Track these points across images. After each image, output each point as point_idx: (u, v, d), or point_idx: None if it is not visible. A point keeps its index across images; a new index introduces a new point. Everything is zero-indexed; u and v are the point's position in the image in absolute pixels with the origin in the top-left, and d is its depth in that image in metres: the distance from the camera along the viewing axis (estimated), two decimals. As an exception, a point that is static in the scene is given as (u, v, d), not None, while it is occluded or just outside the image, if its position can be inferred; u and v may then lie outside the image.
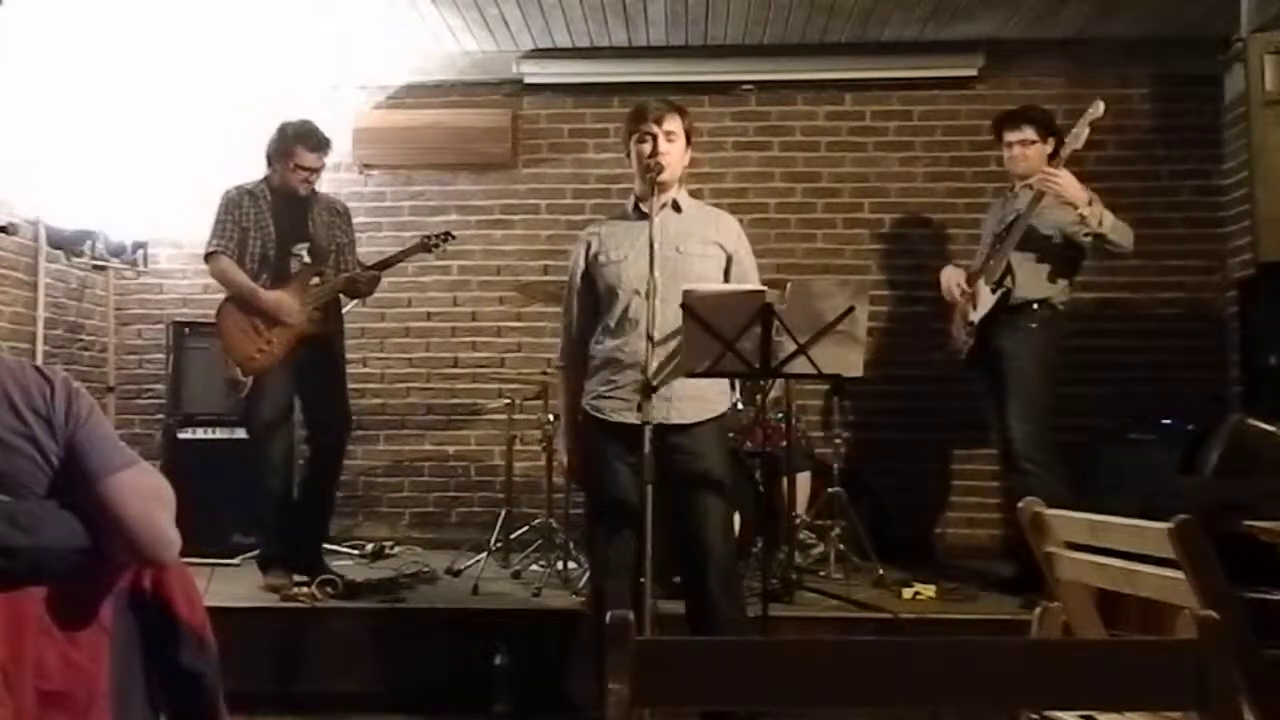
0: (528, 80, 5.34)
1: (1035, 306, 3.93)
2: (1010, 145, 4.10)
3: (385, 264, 4.21)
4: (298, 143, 4.06)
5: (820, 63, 5.25)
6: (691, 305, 2.73)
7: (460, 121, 5.43)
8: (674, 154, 3.01)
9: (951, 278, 4.22)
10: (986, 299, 3.99)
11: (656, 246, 2.87)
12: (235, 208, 4.09)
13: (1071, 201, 3.76)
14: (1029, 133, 4.05)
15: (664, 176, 2.98)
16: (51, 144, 4.69)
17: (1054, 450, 3.89)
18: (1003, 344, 3.96)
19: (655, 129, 2.98)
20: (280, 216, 4.11)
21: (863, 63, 5.23)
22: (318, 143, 4.10)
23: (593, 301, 3.10)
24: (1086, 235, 3.84)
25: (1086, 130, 3.74)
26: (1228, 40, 4.78)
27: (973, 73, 5.22)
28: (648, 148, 2.99)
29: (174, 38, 4.92)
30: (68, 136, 4.78)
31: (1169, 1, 4.62)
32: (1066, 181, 3.75)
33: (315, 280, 4.10)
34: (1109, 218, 3.79)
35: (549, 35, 5.06)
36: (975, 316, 4.05)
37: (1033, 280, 3.93)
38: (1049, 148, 4.04)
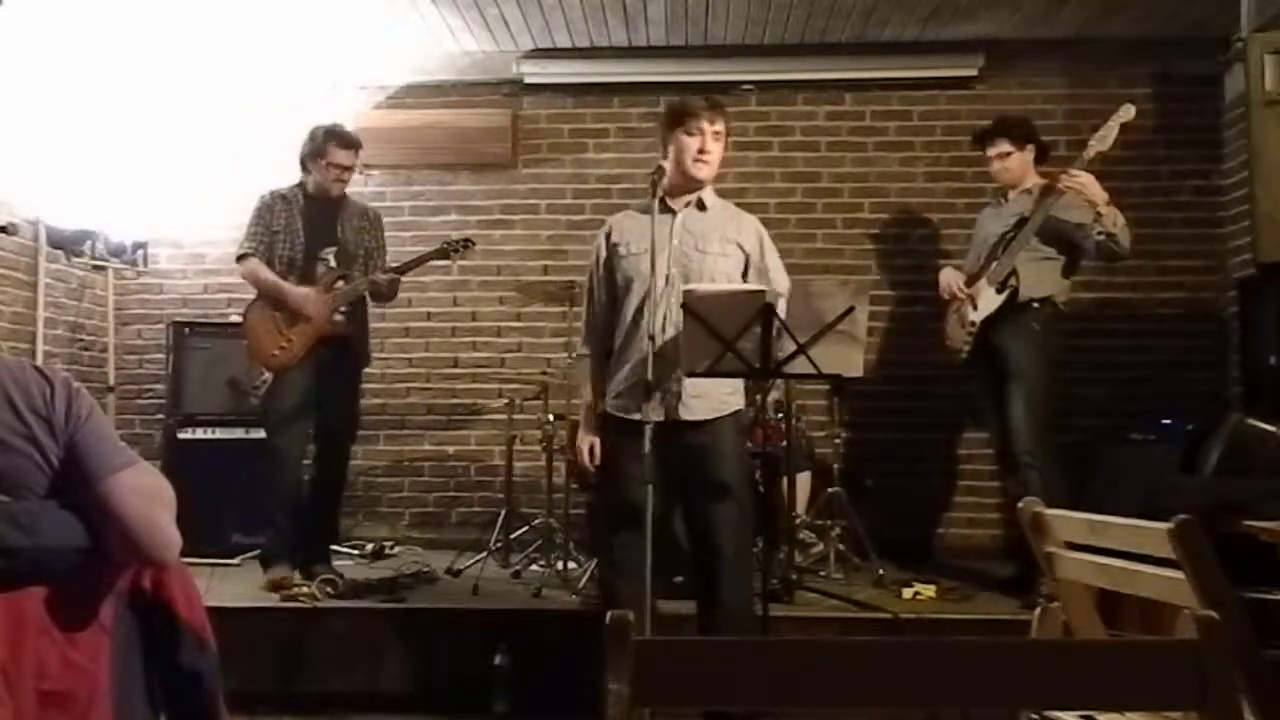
0: (528, 80, 5.34)
1: (1037, 305, 3.95)
2: (990, 160, 4.18)
3: (405, 268, 4.24)
4: (329, 140, 4.15)
5: (820, 63, 5.25)
6: (691, 305, 2.74)
7: (460, 121, 5.44)
8: (718, 154, 3.02)
9: (951, 279, 4.24)
10: (990, 299, 4.01)
11: (677, 243, 2.88)
12: (267, 211, 4.18)
13: (1093, 200, 3.78)
14: (1004, 145, 4.13)
15: (705, 175, 2.99)
16: (51, 144, 4.70)
17: (1052, 448, 3.91)
18: (1006, 342, 3.98)
19: (707, 126, 2.97)
20: (310, 220, 4.19)
21: (863, 63, 5.24)
22: (348, 140, 4.20)
23: (613, 290, 3.10)
24: (1100, 234, 3.85)
25: (1114, 133, 3.77)
26: (1228, 40, 4.77)
27: (973, 73, 5.22)
28: (696, 143, 2.97)
29: (174, 38, 4.92)
30: (68, 136, 4.79)
31: (1169, 1, 4.63)
32: (1087, 181, 3.78)
33: (339, 283, 4.15)
34: (1120, 219, 3.83)
35: (549, 35, 5.06)
36: (976, 317, 4.07)
37: (1036, 279, 3.95)
38: (1029, 154, 4.13)
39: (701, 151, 2.97)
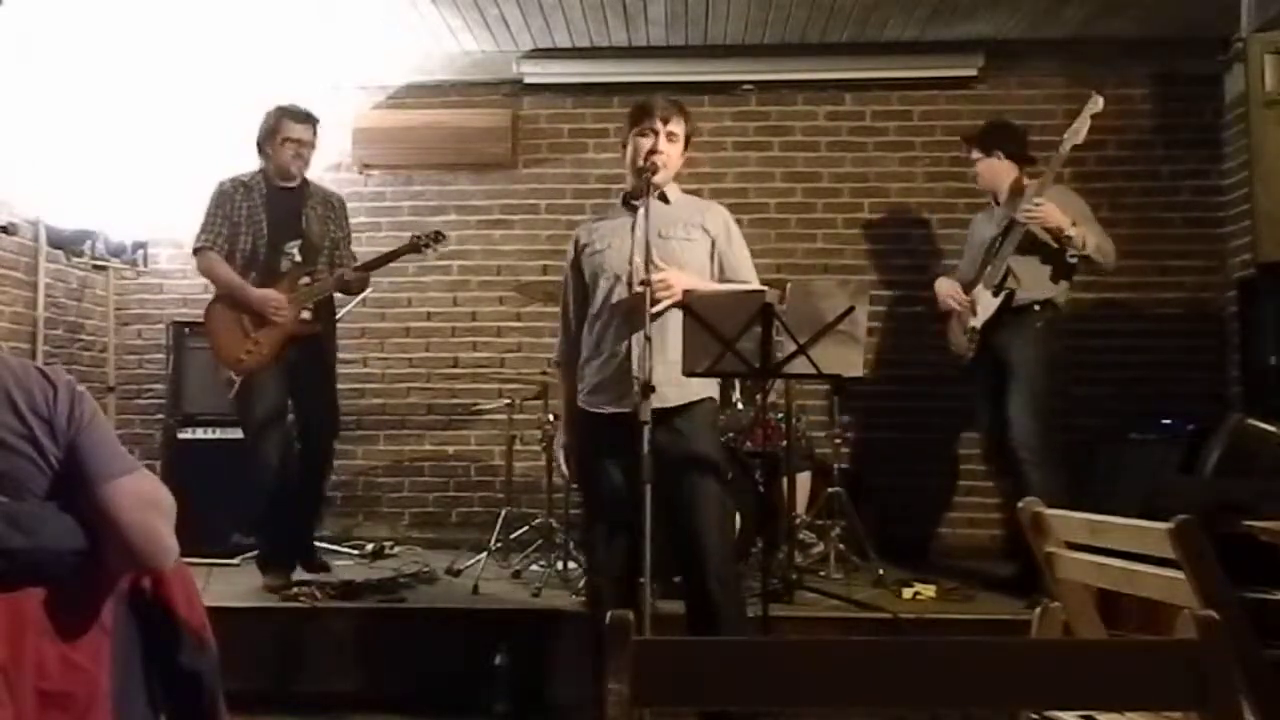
0: (528, 80, 5.34)
1: (1038, 307, 3.95)
2: (972, 165, 4.25)
3: (375, 264, 4.19)
4: (283, 116, 4.09)
5: (820, 63, 5.25)
6: (691, 305, 2.73)
7: (460, 121, 5.44)
8: (672, 155, 3.02)
9: (947, 289, 4.24)
10: (988, 304, 4.00)
11: (639, 234, 2.86)
12: (227, 201, 4.07)
13: (1056, 229, 3.82)
14: (974, 153, 4.19)
15: (658, 178, 2.97)
16: (51, 144, 4.70)
17: (1054, 448, 3.90)
18: (1007, 345, 3.98)
19: (659, 127, 2.98)
20: (274, 210, 4.09)
21: (863, 63, 5.24)
22: (303, 115, 4.13)
23: (581, 289, 3.10)
24: (1072, 257, 3.90)
25: (1086, 125, 3.77)
26: (1227, 40, 4.78)
27: (973, 73, 5.22)
28: (648, 143, 2.98)
29: (174, 38, 4.93)
30: (68, 136, 4.79)
31: (1169, 1, 4.62)
32: (1047, 211, 3.81)
33: (305, 280, 4.08)
34: (1092, 238, 3.85)
35: (549, 35, 5.06)
36: (976, 323, 4.06)
37: (1034, 281, 3.95)
38: (999, 161, 4.13)
39: (652, 153, 2.96)
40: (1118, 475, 4.22)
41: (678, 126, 3.01)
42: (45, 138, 4.67)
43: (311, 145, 4.17)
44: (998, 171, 4.15)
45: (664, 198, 3.05)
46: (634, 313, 2.82)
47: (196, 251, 4.09)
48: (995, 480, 4.40)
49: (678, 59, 5.23)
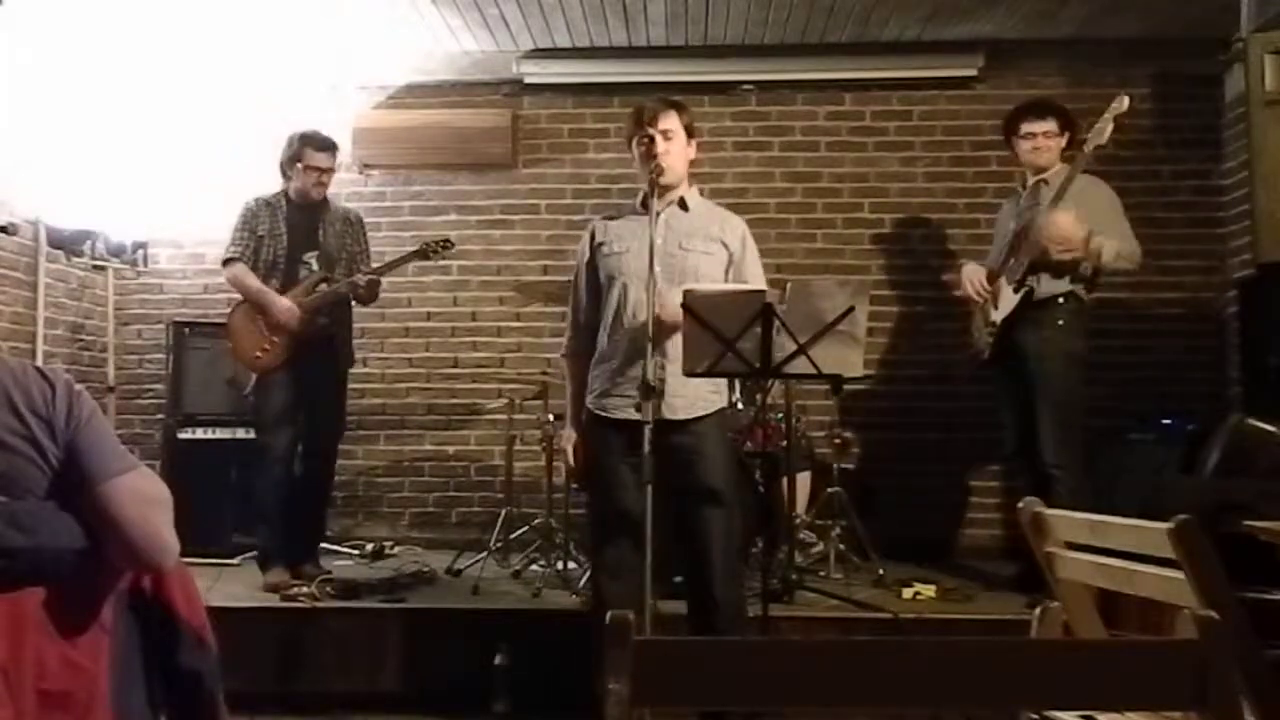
0: (528, 80, 5.34)
1: (1062, 300, 3.86)
2: (1034, 135, 4.01)
3: (385, 269, 4.30)
4: (305, 145, 4.21)
5: (820, 63, 5.25)
6: (691, 305, 2.73)
7: (460, 121, 5.44)
8: (674, 152, 3.01)
9: (973, 275, 4.12)
10: (1009, 298, 3.92)
11: (660, 243, 2.86)
12: (252, 217, 4.25)
13: (1071, 248, 3.72)
14: (1052, 124, 4.00)
15: (665, 178, 2.97)
16: (51, 144, 4.69)
17: (1084, 453, 3.83)
18: (1028, 343, 3.88)
19: (651, 130, 2.98)
20: (294, 225, 4.25)
21: (863, 63, 5.23)
22: (324, 143, 4.25)
23: (596, 291, 3.10)
24: (1085, 269, 3.81)
25: (1110, 126, 3.67)
26: (1227, 40, 4.77)
27: (973, 73, 5.22)
28: (643, 148, 2.98)
29: (175, 38, 4.92)
30: (67, 136, 4.78)
31: (1169, 1, 4.62)
32: (1064, 228, 3.70)
33: (321, 286, 4.20)
34: (1110, 246, 3.74)
35: (549, 35, 5.06)
36: (997, 316, 3.98)
37: (1056, 274, 3.85)
38: (1064, 142, 4.02)
39: (653, 156, 2.96)
40: (1118, 475, 4.21)
41: (670, 123, 3.00)
42: (45, 138, 4.67)
43: (332, 171, 4.32)
44: (1057, 152, 4.00)
45: (684, 204, 3.05)
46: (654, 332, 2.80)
47: (226, 262, 4.25)
48: (1013, 479, 4.35)
49: (678, 59, 5.23)
